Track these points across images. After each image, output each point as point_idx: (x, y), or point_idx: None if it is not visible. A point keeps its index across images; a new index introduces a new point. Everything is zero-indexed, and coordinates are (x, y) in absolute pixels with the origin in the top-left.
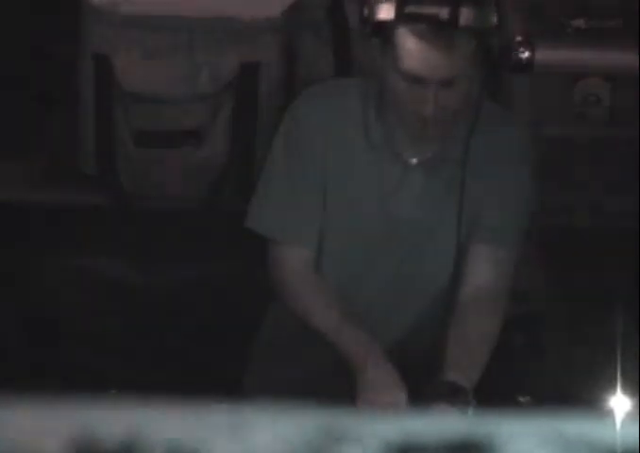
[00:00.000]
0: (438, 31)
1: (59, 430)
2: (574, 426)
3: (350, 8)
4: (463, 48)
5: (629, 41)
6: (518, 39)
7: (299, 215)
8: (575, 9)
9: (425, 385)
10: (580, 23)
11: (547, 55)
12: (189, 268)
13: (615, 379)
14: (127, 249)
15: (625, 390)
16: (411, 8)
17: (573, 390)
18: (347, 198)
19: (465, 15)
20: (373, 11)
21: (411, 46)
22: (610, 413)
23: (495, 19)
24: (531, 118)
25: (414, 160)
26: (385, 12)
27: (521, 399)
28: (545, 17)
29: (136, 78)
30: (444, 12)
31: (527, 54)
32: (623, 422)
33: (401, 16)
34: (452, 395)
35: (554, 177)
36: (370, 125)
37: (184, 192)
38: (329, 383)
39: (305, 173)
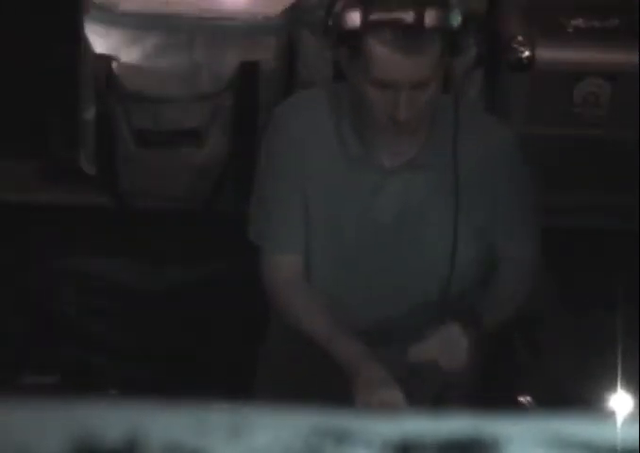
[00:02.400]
0: (405, 35)
1: (59, 430)
2: (574, 426)
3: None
4: (431, 50)
5: (629, 40)
6: (518, 39)
7: (287, 225)
8: (575, 9)
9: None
10: (580, 23)
11: (547, 55)
12: (189, 268)
13: (615, 379)
14: (127, 249)
15: (625, 390)
16: (375, 16)
17: (573, 390)
18: (329, 208)
19: (430, 16)
20: (337, 21)
21: (379, 53)
22: (610, 413)
23: (460, 18)
24: (531, 118)
25: (392, 167)
26: (350, 21)
27: (521, 399)
28: (545, 17)
29: (136, 78)
30: (408, 16)
31: (527, 54)
32: (623, 422)
33: (367, 24)
34: (467, 318)
35: (553, 177)
36: (345, 133)
37: (184, 193)
38: (338, 384)
39: (288, 184)
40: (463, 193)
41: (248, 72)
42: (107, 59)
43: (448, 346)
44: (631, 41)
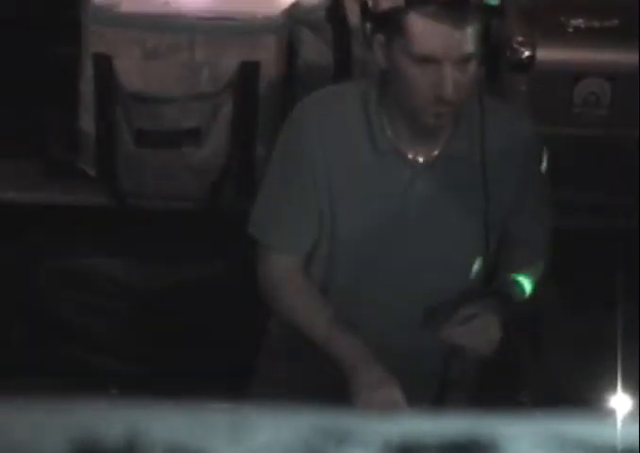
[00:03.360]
0: (448, 8)
1: (59, 430)
2: (574, 426)
3: (350, 7)
4: (474, 25)
5: (629, 41)
6: (518, 39)
7: (294, 225)
8: (575, 9)
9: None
10: (580, 23)
11: (547, 55)
12: (189, 268)
13: (615, 379)
14: (127, 249)
15: (625, 390)
16: None
17: (573, 390)
18: (357, 203)
19: None
20: (378, 1)
21: (423, 29)
22: (610, 413)
23: None
24: (531, 118)
25: (421, 160)
26: (394, 1)
27: (521, 399)
28: (545, 17)
29: (136, 78)
30: None
31: (527, 54)
32: (623, 422)
33: (411, 1)
34: (488, 294)
35: (554, 177)
36: (373, 128)
37: (184, 192)
38: (338, 383)
39: (302, 184)
40: (492, 183)
41: (248, 72)
42: (107, 59)
43: (479, 336)
44: (631, 41)
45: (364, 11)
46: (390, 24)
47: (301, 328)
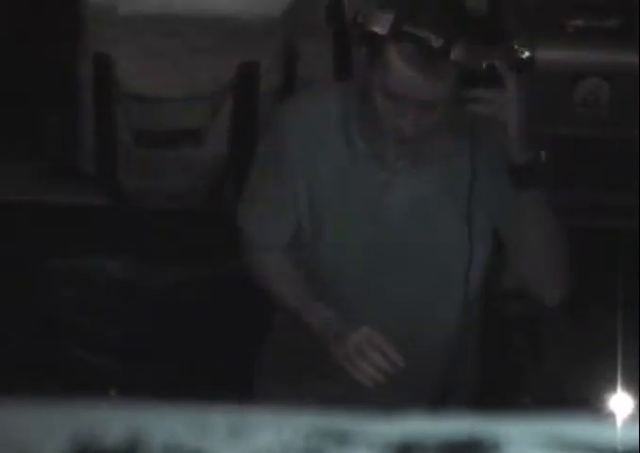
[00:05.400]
0: (427, 57)
1: (59, 430)
2: (574, 426)
3: (350, 7)
4: (449, 76)
5: (629, 40)
6: (518, 39)
7: (275, 221)
8: (575, 9)
9: None
10: (580, 23)
11: (547, 55)
12: (189, 268)
13: (615, 379)
14: (127, 249)
15: (625, 390)
16: (405, 27)
17: (573, 390)
18: (337, 206)
19: (458, 50)
20: (367, 21)
21: (397, 65)
22: (610, 414)
23: (485, 63)
24: (531, 118)
25: (400, 164)
26: (379, 25)
27: (521, 399)
28: (545, 17)
29: (136, 78)
30: (438, 42)
31: (527, 54)
32: (623, 422)
33: (395, 33)
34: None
35: (554, 177)
36: (352, 131)
37: (184, 192)
38: (338, 383)
39: (282, 182)
40: (477, 186)
41: (248, 72)
42: (107, 59)
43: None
44: (631, 41)
45: (352, 24)
46: (371, 46)
47: (284, 300)
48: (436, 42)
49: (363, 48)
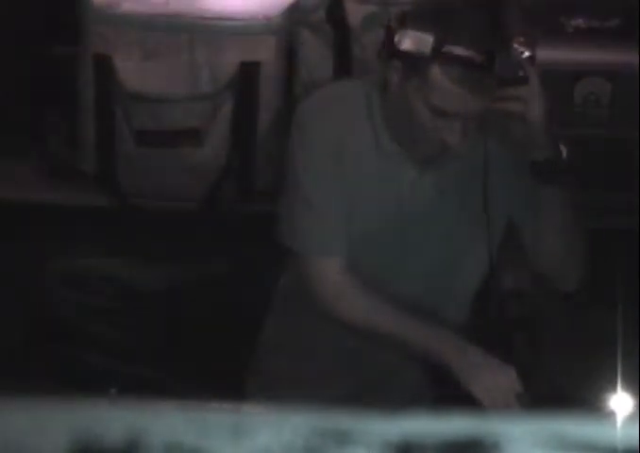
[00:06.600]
0: (472, 74)
1: (59, 430)
2: (574, 426)
3: (350, 7)
4: (492, 87)
5: (629, 41)
6: (518, 39)
7: (328, 227)
8: (575, 9)
9: None
10: (580, 23)
11: (547, 55)
12: (189, 268)
13: (615, 379)
14: (127, 249)
15: (625, 390)
16: (448, 48)
17: (573, 390)
18: (363, 205)
19: (499, 62)
20: (405, 41)
21: (445, 85)
22: (610, 413)
23: (520, 69)
24: None
25: (425, 161)
26: (420, 46)
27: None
28: (545, 17)
29: (136, 78)
30: (480, 58)
31: (527, 54)
32: (623, 422)
33: (438, 54)
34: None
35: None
36: (378, 129)
37: (184, 192)
38: (333, 382)
39: (325, 183)
40: (493, 185)
41: (248, 72)
42: (107, 59)
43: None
44: (631, 41)
45: (386, 44)
46: (411, 64)
47: (377, 328)
48: (479, 59)
49: (398, 63)
